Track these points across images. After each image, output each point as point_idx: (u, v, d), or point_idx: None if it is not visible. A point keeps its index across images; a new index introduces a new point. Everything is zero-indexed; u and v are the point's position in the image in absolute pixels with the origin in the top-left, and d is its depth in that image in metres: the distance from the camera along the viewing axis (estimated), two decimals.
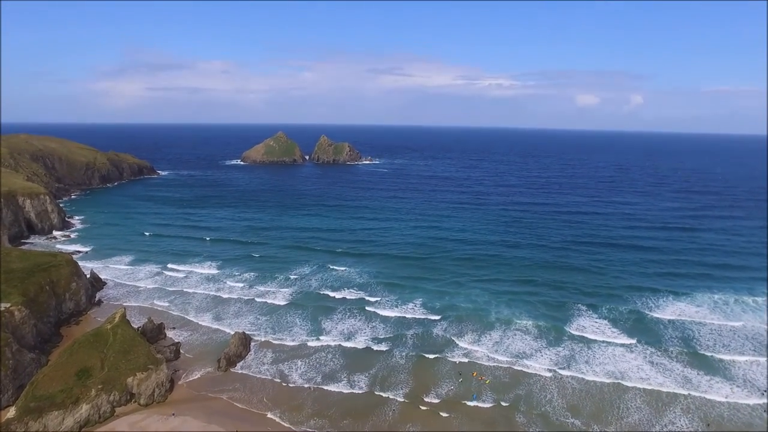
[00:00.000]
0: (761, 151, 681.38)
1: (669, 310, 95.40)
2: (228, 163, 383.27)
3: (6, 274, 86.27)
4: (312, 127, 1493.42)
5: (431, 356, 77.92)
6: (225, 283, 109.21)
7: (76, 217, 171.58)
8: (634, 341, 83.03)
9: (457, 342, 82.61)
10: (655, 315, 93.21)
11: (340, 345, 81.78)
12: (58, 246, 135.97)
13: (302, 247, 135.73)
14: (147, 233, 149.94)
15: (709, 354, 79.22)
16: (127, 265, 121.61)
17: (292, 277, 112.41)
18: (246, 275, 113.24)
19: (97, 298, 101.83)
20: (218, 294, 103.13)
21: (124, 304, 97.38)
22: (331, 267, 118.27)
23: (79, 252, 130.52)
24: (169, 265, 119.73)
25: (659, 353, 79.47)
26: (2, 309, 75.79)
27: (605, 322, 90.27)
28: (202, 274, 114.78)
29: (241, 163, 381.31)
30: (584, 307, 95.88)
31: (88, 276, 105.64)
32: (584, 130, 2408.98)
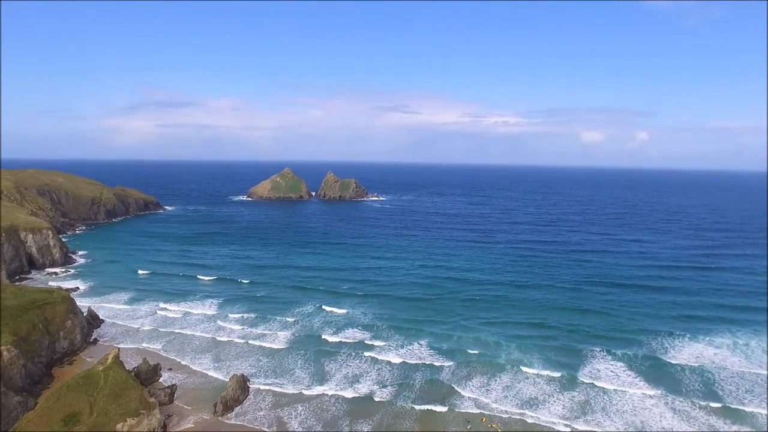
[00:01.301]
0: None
1: (687, 353, 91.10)
2: (234, 198, 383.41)
3: None
4: (319, 164, 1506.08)
5: (438, 403, 73.75)
6: (225, 323, 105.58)
7: (79, 253, 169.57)
8: (652, 387, 78.66)
9: (465, 388, 78.50)
10: (673, 358, 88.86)
11: (342, 390, 77.79)
12: (58, 282, 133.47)
13: (305, 287, 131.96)
14: (148, 271, 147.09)
15: (733, 402, 74.62)
16: (126, 302, 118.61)
17: (293, 318, 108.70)
18: (246, 316, 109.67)
19: (93, 337, 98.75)
20: (217, 335, 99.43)
21: (120, 343, 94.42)
22: (335, 308, 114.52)
23: (78, 289, 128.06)
24: (169, 305, 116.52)
25: (680, 399, 75.04)
26: None
27: (621, 365, 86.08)
28: (201, 314, 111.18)
29: (248, 198, 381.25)
30: (598, 351, 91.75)
31: (85, 313, 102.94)
32: (590, 167, 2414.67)
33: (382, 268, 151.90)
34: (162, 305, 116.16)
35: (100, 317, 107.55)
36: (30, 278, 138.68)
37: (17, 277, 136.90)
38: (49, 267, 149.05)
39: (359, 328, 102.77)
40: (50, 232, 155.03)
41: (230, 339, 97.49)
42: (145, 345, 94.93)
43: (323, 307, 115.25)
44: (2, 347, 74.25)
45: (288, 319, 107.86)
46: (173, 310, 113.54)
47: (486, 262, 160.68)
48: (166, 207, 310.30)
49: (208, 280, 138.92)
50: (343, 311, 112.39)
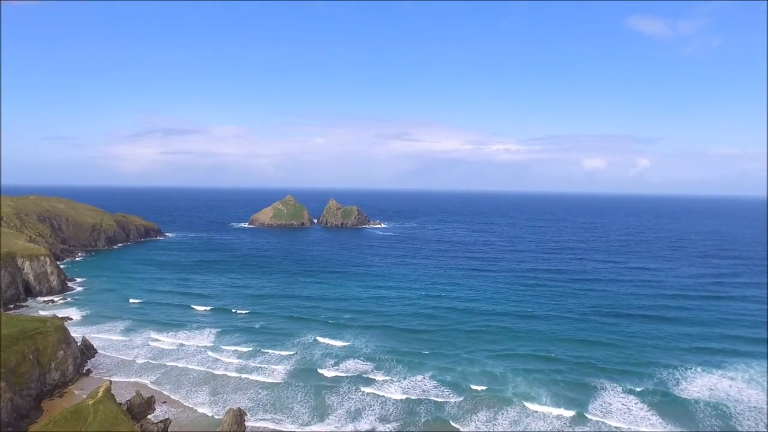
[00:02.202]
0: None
1: (701, 386, 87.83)
2: (236, 225, 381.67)
3: None
4: (321, 191, 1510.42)
5: None
6: (222, 356, 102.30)
7: (78, 280, 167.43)
8: (667, 423, 75.29)
9: (470, 424, 75.19)
10: (687, 392, 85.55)
11: (343, 427, 74.58)
12: (54, 310, 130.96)
13: (305, 317, 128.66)
14: (145, 300, 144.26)
15: None
16: (122, 332, 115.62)
17: (293, 349, 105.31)
18: (244, 347, 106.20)
19: (86, 368, 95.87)
20: (214, 367, 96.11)
21: (114, 375, 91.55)
22: (335, 339, 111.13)
23: (74, 317, 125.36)
24: (165, 335, 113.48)
25: None
26: None
27: (632, 399, 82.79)
28: (198, 345, 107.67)
29: (250, 226, 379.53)
30: (608, 384, 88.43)
31: (79, 343, 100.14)
32: (592, 193, 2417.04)
33: (384, 298, 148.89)
34: (158, 336, 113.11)
35: (95, 347, 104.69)
36: (26, 306, 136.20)
37: (13, 305, 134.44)
38: (46, 295, 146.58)
39: (361, 360, 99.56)
40: (48, 258, 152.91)
41: (227, 372, 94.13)
42: (139, 377, 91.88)
43: (324, 338, 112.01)
44: None
45: (287, 351, 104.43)
46: (169, 341, 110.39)
47: (490, 292, 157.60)
48: (167, 234, 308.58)
49: (206, 309, 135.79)
50: (344, 343, 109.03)
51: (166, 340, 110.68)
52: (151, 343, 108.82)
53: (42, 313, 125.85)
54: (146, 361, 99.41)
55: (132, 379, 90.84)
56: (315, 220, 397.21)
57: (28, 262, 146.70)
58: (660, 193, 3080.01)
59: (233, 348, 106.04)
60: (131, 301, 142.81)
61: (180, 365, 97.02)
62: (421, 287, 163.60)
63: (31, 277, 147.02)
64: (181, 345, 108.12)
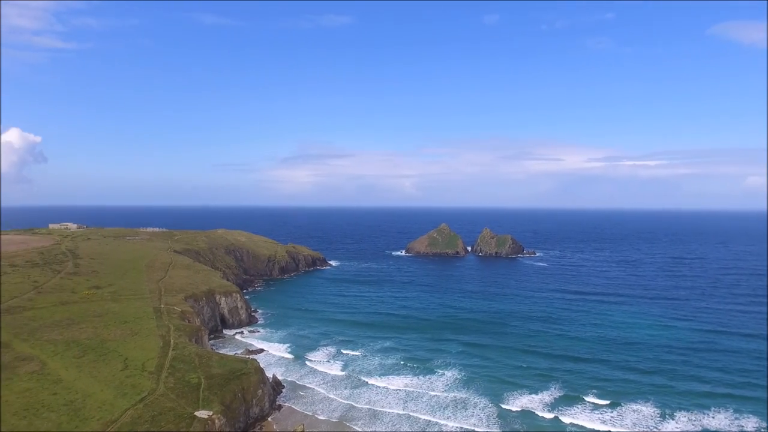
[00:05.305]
0: None
1: None
2: (394, 253, 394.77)
3: (208, 380, 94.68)
4: (461, 210, 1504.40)
5: None
6: (431, 401, 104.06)
7: (260, 311, 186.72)
8: None
9: None
10: None
11: None
12: (245, 339, 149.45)
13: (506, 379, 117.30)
14: (320, 331, 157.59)
15: None
16: (302, 365, 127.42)
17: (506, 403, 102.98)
18: (455, 395, 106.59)
19: (277, 403, 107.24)
20: (422, 417, 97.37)
21: (301, 411, 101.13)
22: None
23: (263, 350, 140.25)
24: (354, 368, 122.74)
25: None
26: (206, 417, 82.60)
27: None
28: (396, 390, 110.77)
29: (406, 254, 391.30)
30: None
31: (270, 380, 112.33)
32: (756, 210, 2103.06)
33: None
34: (348, 370, 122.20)
35: (281, 383, 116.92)
36: (222, 337, 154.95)
37: (213, 335, 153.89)
38: (236, 327, 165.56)
39: None
40: (238, 295, 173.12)
41: (429, 418, 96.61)
42: (328, 415, 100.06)
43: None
44: (214, 416, 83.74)
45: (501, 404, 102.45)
46: (364, 377, 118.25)
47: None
48: (331, 262, 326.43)
49: (390, 345, 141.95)
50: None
51: (357, 374, 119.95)
52: (339, 380, 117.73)
53: (237, 351, 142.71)
54: (336, 395, 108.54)
55: (321, 415, 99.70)
56: (468, 248, 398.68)
57: (223, 298, 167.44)
58: None
59: (444, 394, 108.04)
60: (309, 333, 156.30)
61: (361, 405, 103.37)
62: (592, 338, 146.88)
63: (225, 311, 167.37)
64: (380, 386, 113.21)
